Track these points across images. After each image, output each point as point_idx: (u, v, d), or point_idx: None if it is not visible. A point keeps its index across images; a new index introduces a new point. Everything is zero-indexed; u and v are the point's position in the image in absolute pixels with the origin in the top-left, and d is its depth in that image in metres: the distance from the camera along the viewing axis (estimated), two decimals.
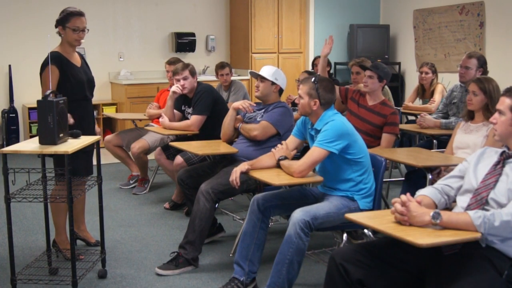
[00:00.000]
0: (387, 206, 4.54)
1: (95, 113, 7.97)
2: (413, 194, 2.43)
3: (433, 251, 2.31)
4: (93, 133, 3.88)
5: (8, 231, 3.09)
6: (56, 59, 3.68)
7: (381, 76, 4.31)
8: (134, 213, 4.94)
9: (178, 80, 4.80)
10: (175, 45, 8.50)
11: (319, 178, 3.25)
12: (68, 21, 3.72)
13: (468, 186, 2.45)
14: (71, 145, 3.17)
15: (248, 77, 8.35)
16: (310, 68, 7.23)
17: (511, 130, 2.43)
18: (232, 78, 6.45)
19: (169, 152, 5.02)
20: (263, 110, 4.08)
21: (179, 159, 4.64)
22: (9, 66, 7.60)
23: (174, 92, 4.82)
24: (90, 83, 3.91)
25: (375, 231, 2.71)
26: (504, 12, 7.32)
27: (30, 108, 7.47)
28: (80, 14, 3.78)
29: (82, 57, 4.00)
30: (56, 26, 3.77)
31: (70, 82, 3.74)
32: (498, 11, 7.42)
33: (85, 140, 3.38)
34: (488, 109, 3.75)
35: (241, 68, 8.67)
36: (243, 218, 3.89)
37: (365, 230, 3.24)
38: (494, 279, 2.19)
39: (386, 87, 5.79)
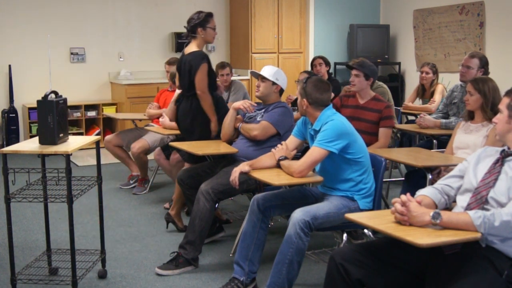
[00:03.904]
0: (387, 206, 4.54)
1: (95, 113, 8.06)
2: (413, 194, 2.43)
3: (433, 251, 2.31)
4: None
5: (8, 231, 3.09)
6: (207, 58, 4.18)
7: (367, 74, 4.31)
8: (134, 213, 4.94)
9: None
10: (175, 45, 8.49)
11: (319, 178, 3.25)
12: (208, 22, 4.23)
13: (468, 185, 2.45)
14: (71, 145, 3.17)
15: (248, 77, 8.35)
16: (309, 68, 7.23)
17: (508, 128, 2.45)
18: (232, 78, 6.44)
19: (169, 152, 5.02)
20: (263, 110, 4.08)
21: (175, 154, 4.67)
22: (9, 66, 7.60)
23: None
24: None
25: (375, 231, 2.71)
26: (504, 12, 7.32)
27: (30, 108, 7.47)
28: (213, 14, 4.31)
29: None
30: (192, 30, 4.21)
31: (212, 77, 4.24)
32: (498, 11, 7.41)
33: (85, 140, 3.39)
34: (484, 109, 3.77)
35: (241, 68, 8.67)
36: (243, 218, 3.89)
37: (365, 230, 3.24)
38: (494, 279, 2.19)
39: (386, 87, 5.79)
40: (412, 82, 8.52)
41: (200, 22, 4.19)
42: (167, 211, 4.48)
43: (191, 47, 4.22)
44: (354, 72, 4.34)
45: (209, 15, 4.24)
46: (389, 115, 4.26)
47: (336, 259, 2.42)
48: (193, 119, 4.24)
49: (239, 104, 4.12)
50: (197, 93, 4.16)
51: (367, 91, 4.37)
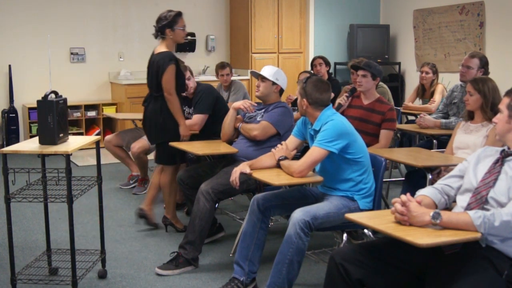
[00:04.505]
0: (387, 206, 4.54)
1: (95, 113, 8.05)
2: (413, 194, 2.43)
3: (433, 251, 2.31)
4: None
5: (8, 231, 3.09)
6: (175, 59, 4.13)
7: (375, 74, 4.31)
8: (134, 213, 4.93)
9: None
10: (175, 45, 8.47)
11: (319, 178, 3.25)
12: (177, 22, 4.15)
13: (468, 185, 2.45)
14: (71, 145, 3.17)
15: (248, 77, 8.35)
16: (309, 68, 7.24)
17: (508, 127, 2.45)
18: (232, 78, 6.45)
19: None
20: (263, 110, 4.08)
21: None
22: (9, 66, 7.60)
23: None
24: None
25: (375, 231, 2.71)
26: (504, 12, 7.32)
27: (30, 108, 7.47)
28: (182, 13, 4.21)
29: None
30: (161, 31, 4.15)
31: (180, 79, 4.19)
32: (498, 11, 7.42)
33: (85, 140, 3.39)
34: (484, 109, 3.77)
35: (241, 68, 8.67)
36: (243, 218, 3.89)
37: (365, 230, 3.24)
38: (494, 279, 2.19)
39: (386, 87, 5.80)
40: (412, 82, 8.52)
41: (168, 23, 4.12)
42: (163, 215, 4.47)
43: (161, 47, 4.17)
44: (361, 72, 4.33)
45: (178, 15, 4.16)
46: (391, 117, 4.27)
47: (336, 259, 2.42)
48: (165, 118, 4.17)
49: (239, 104, 4.12)
50: (164, 95, 4.11)
51: (373, 92, 4.37)
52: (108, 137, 5.80)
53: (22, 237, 4.32)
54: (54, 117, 3.10)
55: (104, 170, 3.60)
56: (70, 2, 7.96)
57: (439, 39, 8.30)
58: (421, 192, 2.55)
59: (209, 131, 4.62)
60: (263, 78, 4.01)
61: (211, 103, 4.71)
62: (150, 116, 4.27)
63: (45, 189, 3.27)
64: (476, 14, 7.69)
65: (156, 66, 4.12)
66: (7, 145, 7.22)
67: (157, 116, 4.19)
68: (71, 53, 7.98)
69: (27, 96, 7.65)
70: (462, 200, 2.44)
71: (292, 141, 3.50)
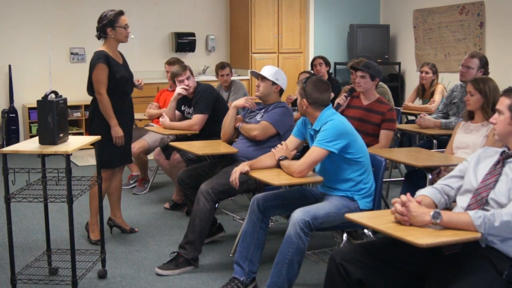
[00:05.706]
0: (387, 206, 4.54)
1: None
2: (413, 194, 2.43)
3: (433, 251, 2.31)
4: (131, 126, 4.25)
5: (8, 231, 3.09)
6: (104, 58, 4.00)
7: (373, 74, 4.31)
8: (134, 213, 4.93)
9: (182, 81, 4.81)
10: (175, 45, 8.50)
11: (319, 178, 3.25)
12: (117, 21, 4.04)
13: (468, 186, 2.45)
14: (71, 145, 3.17)
15: (248, 77, 8.36)
16: (309, 68, 7.24)
17: (510, 129, 2.44)
18: (232, 78, 6.45)
19: (169, 152, 5.02)
20: (263, 110, 4.08)
21: (175, 154, 4.68)
22: (9, 66, 7.60)
23: (179, 94, 4.83)
24: (130, 79, 4.23)
25: (375, 231, 2.71)
26: (504, 12, 7.32)
27: (30, 108, 7.47)
28: (123, 12, 4.11)
29: (122, 55, 4.22)
30: (102, 31, 4.06)
31: (114, 78, 4.02)
32: (498, 11, 7.41)
33: (85, 140, 3.39)
34: (485, 109, 3.77)
35: (241, 68, 8.67)
36: (243, 218, 3.89)
37: (365, 230, 3.25)
38: (494, 279, 2.19)
39: (386, 87, 5.80)
40: (412, 82, 8.52)
41: (108, 22, 4.02)
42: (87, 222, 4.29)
43: (101, 47, 4.11)
44: (359, 73, 4.33)
45: (119, 14, 4.05)
46: (391, 117, 4.27)
47: (336, 259, 2.42)
48: (95, 118, 4.07)
49: (242, 102, 4.12)
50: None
51: (372, 92, 4.37)
52: None
53: (22, 237, 4.31)
54: (54, 117, 3.10)
55: None
56: (70, 2, 7.97)
57: (439, 39, 8.30)
58: (421, 192, 2.55)
59: (209, 131, 4.62)
60: (263, 78, 4.02)
61: (211, 103, 4.71)
62: (89, 117, 4.23)
63: (45, 189, 3.27)
64: (476, 14, 7.69)
65: (89, 65, 4.07)
66: (7, 145, 7.22)
67: (91, 116, 4.14)
68: (71, 53, 7.99)
69: (27, 96, 7.65)
70: (462, 201, 2.44)
71: (292, 141, 3.50)
